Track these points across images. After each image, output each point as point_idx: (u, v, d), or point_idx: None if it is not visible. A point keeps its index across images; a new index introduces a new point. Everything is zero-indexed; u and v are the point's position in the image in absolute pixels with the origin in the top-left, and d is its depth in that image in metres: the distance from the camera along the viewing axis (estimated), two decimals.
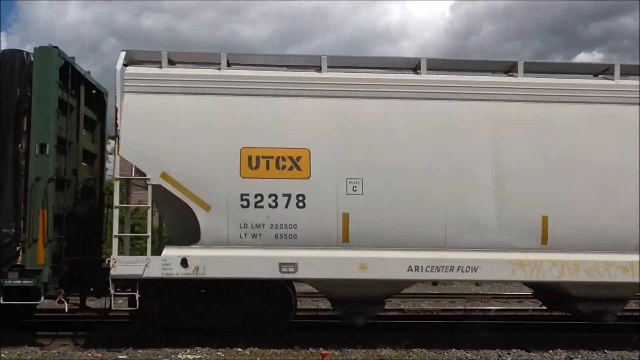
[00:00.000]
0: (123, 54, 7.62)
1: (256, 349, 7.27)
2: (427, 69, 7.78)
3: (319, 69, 7.82)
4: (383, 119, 7.49)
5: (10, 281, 7.24)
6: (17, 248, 7.25)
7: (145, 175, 7.24)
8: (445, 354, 7.28)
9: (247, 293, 7.55)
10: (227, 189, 7.22)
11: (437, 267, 7.24)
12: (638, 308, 11.83)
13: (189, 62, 7.98)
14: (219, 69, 7.72)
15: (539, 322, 9.66)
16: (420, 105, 7.54)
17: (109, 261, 7.19)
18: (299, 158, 7.32)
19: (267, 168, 7.29)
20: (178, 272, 7.12)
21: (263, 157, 7.31)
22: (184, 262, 7.11)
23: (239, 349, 7.28)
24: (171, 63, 7.83)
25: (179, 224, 7.52)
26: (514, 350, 7.43)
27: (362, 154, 7.36)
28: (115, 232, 7.21)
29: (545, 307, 9.38)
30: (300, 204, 7.23)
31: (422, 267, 7.24)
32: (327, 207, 7.26)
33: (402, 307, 11.84)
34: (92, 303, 8.51)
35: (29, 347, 7.31)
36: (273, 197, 7.23)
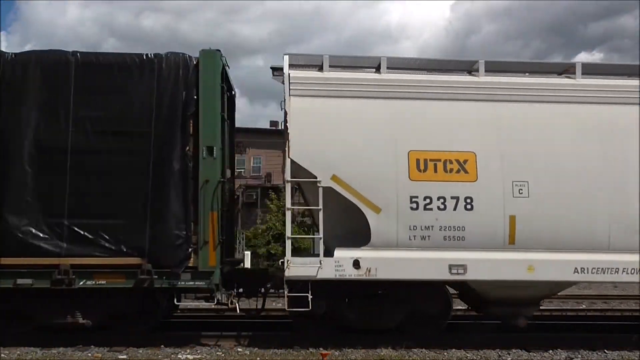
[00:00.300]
0: (287, 57, 7.71)
1: (256, 349, 7.34)
2: (582, 73, 7.88)
3: (474, 72, 7.94)
4: (546, 122, 7.59)
5: (183, 282, 7.34)
6: (189, 250, 7.33)
7: (315, 177, 7.34)
8: (445, 354, 7.34)
9: (411, 294, 7.66)
10: (396, 191, 7.33)
11: (602, 269, 7.35)
12: (638, 308, 11.94)
13: (343, 66, 8.08)
14: (377, 72, 7.85)
15: (539, 322, 9.54)
16: (582, 109, 7.65)
17: (282, 262, 7.30)
18: (465, 161, 7.42)
19: (435, 171, 7.39)
20: (351, 273, 7.23)
21: (430, 160, 7.41)
22: (356, 264, 7.22)
23: (239, 349, 7.35)
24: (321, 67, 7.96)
25: (344, 225, 7.59)
26: (514, 350, 7.47)
27: (527, 157, 7.46)
28: (288, 233, 7.31)
29: None
30: (468, 207, 7.33)
31: (587, 269, 7.34)
32: (494, 210, 7.36)
33: None
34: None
35: (29, 347, 7.28)
36: (442, 200, 7.33)
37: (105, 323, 7.60)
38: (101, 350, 7.26)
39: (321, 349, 7.34)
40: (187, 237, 7.34)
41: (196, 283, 7.36)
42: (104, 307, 7.51)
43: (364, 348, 7.36)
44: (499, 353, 7.37)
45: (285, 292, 7.24)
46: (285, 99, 7.49)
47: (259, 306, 8.25)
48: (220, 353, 7.20)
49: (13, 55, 7.55)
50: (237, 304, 7.62)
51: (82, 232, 7.24)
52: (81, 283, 7.20)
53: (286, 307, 7.25)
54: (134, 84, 7.53)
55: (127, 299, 7.50)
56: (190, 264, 7.35)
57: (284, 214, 9.93)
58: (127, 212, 7.31)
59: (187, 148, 7.50)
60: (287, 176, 7.37)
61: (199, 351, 7.24)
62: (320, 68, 7.94)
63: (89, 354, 7.15)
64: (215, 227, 7.42)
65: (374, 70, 8.05)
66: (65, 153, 7.36)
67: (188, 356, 7.07)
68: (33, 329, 7.56)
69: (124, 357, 7.07)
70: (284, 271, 7.21)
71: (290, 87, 7.51)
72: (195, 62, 7.63)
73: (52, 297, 7.33)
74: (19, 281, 7.15)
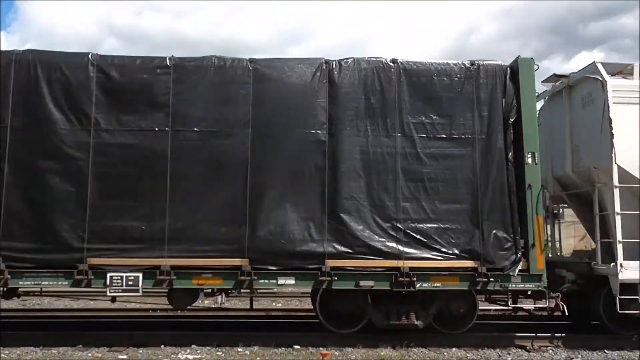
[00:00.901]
0: (600, 66, 7.93)
1: (256, 348, 7.40)
2: None
3: None
4: None
5: (514, 285, 7.53)
6: (519, 253, 7.52)
7: None
8: (445, 353, 7.43)
9: None
10: None
11: None
12: None
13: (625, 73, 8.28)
14: None
15: (539, 322, 9.47)
16: None
17: (613, 265, 7.48)
18: None
19: None
20: None
21: None
22: None
23: (239, 349, 7.38)
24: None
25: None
26: (514, 350, 7.59)
27: None
28: (619, 237, 7.50)
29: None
30: None
31: None
32: None
33: None
34: None
35: (29, 347, 7.30)
36: None
37: (429, 324, 7.80)
38: (101, 350, 7.29)
39: (321, 348, 7.45)
40: (515, 240, 7.54)
41: (526, 285, 7.55)
42: (434, 308, 7.72)
43: (364, 348, 7.48)
44: (499, 353, 7.49)
45: (617, 296, 7.41)
46: (609, 106, 7.66)
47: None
48: (220, 353, 7.24)
49: (338, 63, 7.79)
50: (564, 307, 7.78)
51: (417, 236, 7.46)
52: (418, 285, 7.42)
53: (618, 310, 7.43)
54: (456, 92, 7.75)
55: (451, 301, 7.75)
56: (520, 267, 7.55)
57: None
58: (459, 216, 7.52)
59: (510, 154, 7.70)
60: (615, 182, 7.57)
61: (199, 351, 7.27)
62: (616, 75, 8.18)
63: (89, 354, 7.18)
64: (541, 230, 7.60)
65: None
66: (394, 158, 7.59)
67: (188, 356, 7.11)
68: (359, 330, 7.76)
69: (124, 357, 7.11)
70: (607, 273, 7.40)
71: (613, 95, 7.71)
72: (509, 70, 7.86)
73: (387, 299, 7.58)
74: (361, 283, 7.38)
